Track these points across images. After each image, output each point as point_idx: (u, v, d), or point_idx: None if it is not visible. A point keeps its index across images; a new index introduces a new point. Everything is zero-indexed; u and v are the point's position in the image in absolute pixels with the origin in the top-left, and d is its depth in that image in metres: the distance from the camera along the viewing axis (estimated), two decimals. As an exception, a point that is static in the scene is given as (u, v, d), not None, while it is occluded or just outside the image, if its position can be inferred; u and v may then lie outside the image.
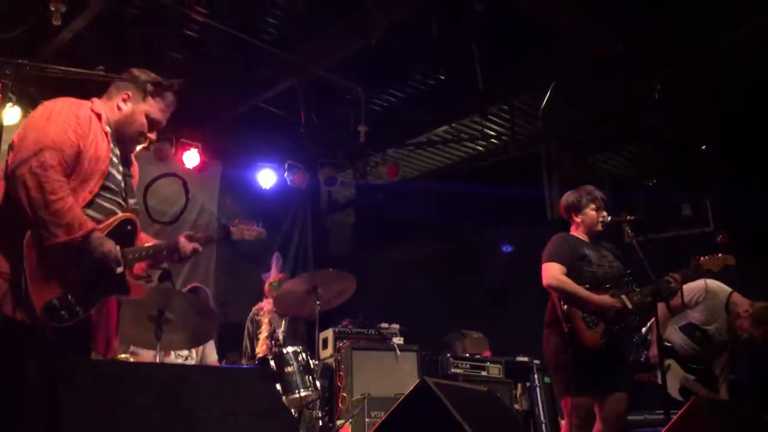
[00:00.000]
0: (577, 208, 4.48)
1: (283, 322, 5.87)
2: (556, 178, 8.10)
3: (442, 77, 7.27)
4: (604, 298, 4.17)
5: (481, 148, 8.61)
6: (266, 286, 6.31)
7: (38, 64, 2.64)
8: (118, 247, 2.73)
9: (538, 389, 6.75)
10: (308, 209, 9.19)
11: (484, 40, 6.45)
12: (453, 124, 7.96)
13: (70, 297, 2.62)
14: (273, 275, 6.38)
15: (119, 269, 2.75)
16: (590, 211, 4.44)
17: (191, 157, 7.34)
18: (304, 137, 7.40)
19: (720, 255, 4.32)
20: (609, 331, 4.15)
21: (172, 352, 5.21)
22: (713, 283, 5.16)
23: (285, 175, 7.91)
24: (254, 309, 6.25)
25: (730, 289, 5.19)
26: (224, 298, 7.50)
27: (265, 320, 6.02)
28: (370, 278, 7.84)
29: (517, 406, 6.64)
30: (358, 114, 7.21)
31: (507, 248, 3.96)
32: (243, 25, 6.08)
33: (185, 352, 5.37)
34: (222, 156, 8.01)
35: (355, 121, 7.30)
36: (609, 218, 4.43)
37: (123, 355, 5.11)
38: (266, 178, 7.90)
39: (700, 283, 5.09)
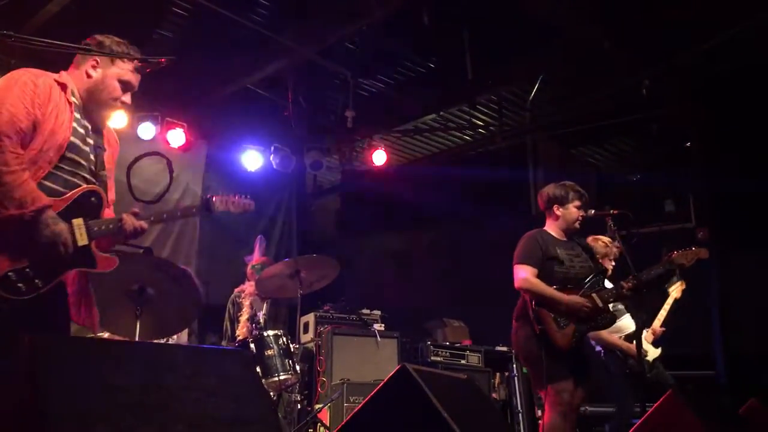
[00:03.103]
0: (561, 201, 4.47)
1: (265, 305, 5.86)
2: (541, 169, 8.12)
3: (432, 65, 7.26)
4: (574, 299, 4.17)
5: (468, 138, 8.62)
6: (249, 268, 6.29)
7: (23, 36, 2.58)
8: (70, 227, 2.67)
9: (516, 379, 6.79)
10: (293, 193, 9.17)
11: (475, 29, 6.44)
12: (441, 113, 7.96)
13: (27, 269, 2.58)
14: (256, 258, 6.37)
15: (83, 241, 2.70)
16: (573, 208, 4.43)
17: (176, 137, 7.29)
18: (291, 120, 7.37)
19: (693, 248, 4.34)
20: (579, 331, 4.18)
21: None
22: None
23: (271, 157, 7.87)
24: (236, 291, 6.23)
25: None
26: (206, 280, 7.47)
27: (246, 303, 6.01)
28: (353, 264, 7.85)
29: (495, 395, 6.69)
30: (347, 99, 7.18)
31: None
32: (233, 5, 6.02)
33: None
34: (208, 136, 7.95)
35: (343, 106, 7.27)
36: (592, 212, 4.43)
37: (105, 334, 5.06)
38: (252, 160, 7.86)
39: None
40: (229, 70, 7.06)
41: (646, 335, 5.52)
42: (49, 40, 2.70)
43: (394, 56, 7.16)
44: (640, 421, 3.71)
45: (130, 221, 2.84)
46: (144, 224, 2.89)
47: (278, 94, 7.34)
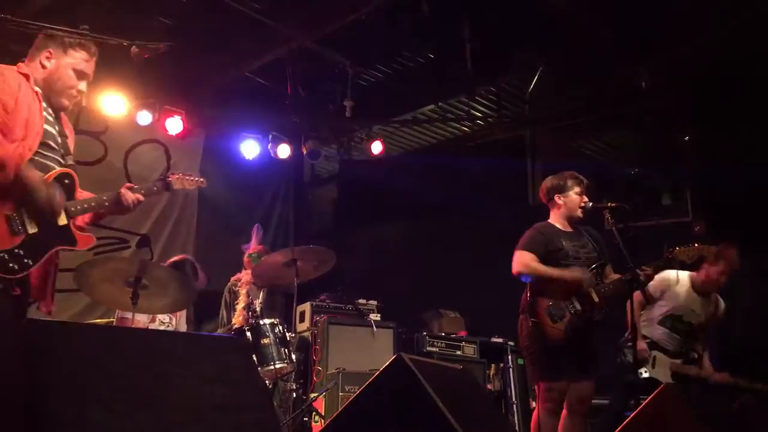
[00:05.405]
0: (561, 189, 4.46)
1: (261, 293, 5.87)
2: (539, 161, 8.12)
3: (431, 55, 7.23)
4: (575, 271, 4.19)
5: (466, 129, 8.60)
6: (246, 257, 6.29)
7: (22, 20, 2.60)
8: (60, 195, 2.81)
9: (511, 370, 6.82)
10: (291, 182, 9.16)
11: (475, 19, 6.42)
12: (440, 103, 7.94)
13: (17, 249, 2.67)
14: (253, 247, 6.37)
15: (62, 221, 2.83)
16: (573, 195, 4.42)
17: (174, 124, 7.25)
18: (290, 109, 7.35)
19: (697, 245, 4.34)
20: (572, 326, 4.17)
21: (157, 319, 5.22)
22: (672, 272, 5.25)
23: (269, 146, 7.85)
24: (233, 279, 6.24)
25: (687, 272, 5.29)
26: (203, 268, 7.47)
27: (242, 291, 6.01)
28: (350, 254, 7.84)
29: (489, 386, 6.71)
30: (345, 88, 7.16)
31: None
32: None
33: (166, 319, 5.37)
34: (206, 124, 7.93)
35: (341, 96, 7.24)
36: (590, 204, 4.43)
37: (105, 320, 5.10)
38: (250, 148, 7.84)
39: (661, 275, 5.16)
40: (227, 58, 7.02)
41: None
42: (48, 25, 2.72)
43: (394, 46, 7.13)
44: (633, 414, 3.72)
45: (128, 194, 3.10)
46: (140, 196, 3.16)
47: (277, 82, 7.31)
